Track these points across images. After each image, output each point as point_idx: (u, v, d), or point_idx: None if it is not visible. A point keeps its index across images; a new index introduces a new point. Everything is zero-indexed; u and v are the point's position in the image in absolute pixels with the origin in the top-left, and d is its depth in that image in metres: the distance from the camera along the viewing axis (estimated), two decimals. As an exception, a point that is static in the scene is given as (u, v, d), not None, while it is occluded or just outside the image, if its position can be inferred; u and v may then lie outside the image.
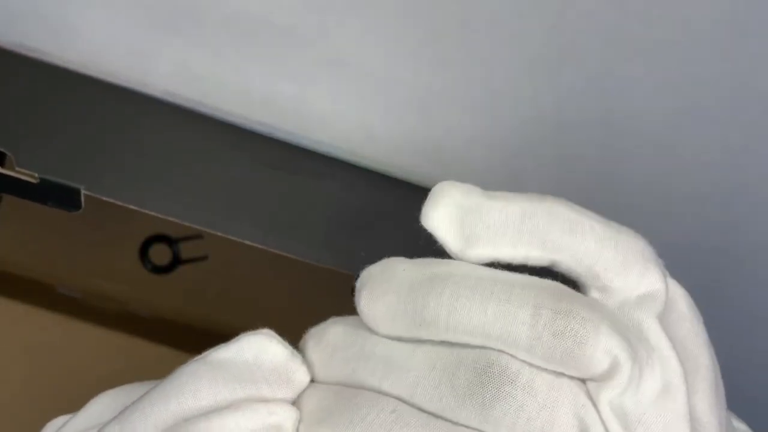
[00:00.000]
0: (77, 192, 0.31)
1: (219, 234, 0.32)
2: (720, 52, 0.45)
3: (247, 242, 0.32)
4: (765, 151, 0.47)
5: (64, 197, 0.31)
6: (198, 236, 0.48)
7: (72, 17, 0.44)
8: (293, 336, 0.48)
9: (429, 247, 0.34)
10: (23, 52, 0.37)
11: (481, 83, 0.47)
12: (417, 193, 0.36)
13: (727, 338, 0.51)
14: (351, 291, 0.35)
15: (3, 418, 0.43)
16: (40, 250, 0.47)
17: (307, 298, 0.48)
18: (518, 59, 0.47)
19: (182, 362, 0.45)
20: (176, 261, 0.48)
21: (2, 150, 0.31)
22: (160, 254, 0.48)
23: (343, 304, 0.45)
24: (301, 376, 0.25)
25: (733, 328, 0.51)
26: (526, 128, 0.46)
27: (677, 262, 0.48)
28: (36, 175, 0.30)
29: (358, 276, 0.31)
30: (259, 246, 0.32)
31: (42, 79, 0.32)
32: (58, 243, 0.47)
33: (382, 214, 0.34)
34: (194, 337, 0.47)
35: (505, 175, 0.45)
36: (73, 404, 0.42)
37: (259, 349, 0.26)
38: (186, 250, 0.48)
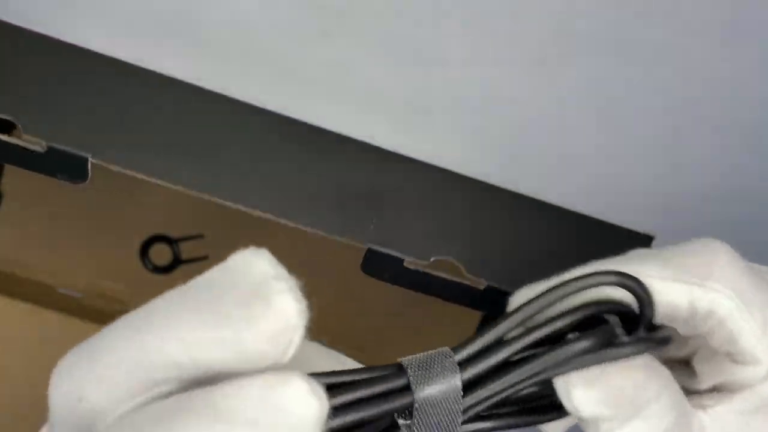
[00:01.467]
0: (84, 161, 0.31)
1: (227, 203, 0.32)
2: (720, 52, 0.45)
3: (256, 212, 0.32)
4: (765, 151, 0.48)
5: (71, 166, 0.31)
6: (199, 236, 0.48)
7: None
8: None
9: (439, 223, 0.34)
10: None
11: (481, 83, 0.47)
12: (428, 171, 0.36)
13: None
14: (360, 267, 0.35)
15: (3, 417, 0.42)
16: (41, 250, 0.46)
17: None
18: (518, 59, 0.47)
19: None
20: (177, 261, 0.47)
21: (9, 118, 0.30)
22: (161, 254, 0.47)
23: (348, 281, 0.45)
24: (284, 302, 0.19)
25: None
26: (526, 128, 0.46)
27: None
28: (44, 143, 0.30)
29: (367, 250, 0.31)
30: (269, 216, 0.32)
31: (48, 50, 0.32)
32: (58, 243, 0.47)
33: (392, 189, 0.34)
34: None
35: (505, 174, 0.45)
36: None
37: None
38: (186, 250, 0.47)
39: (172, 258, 0.47)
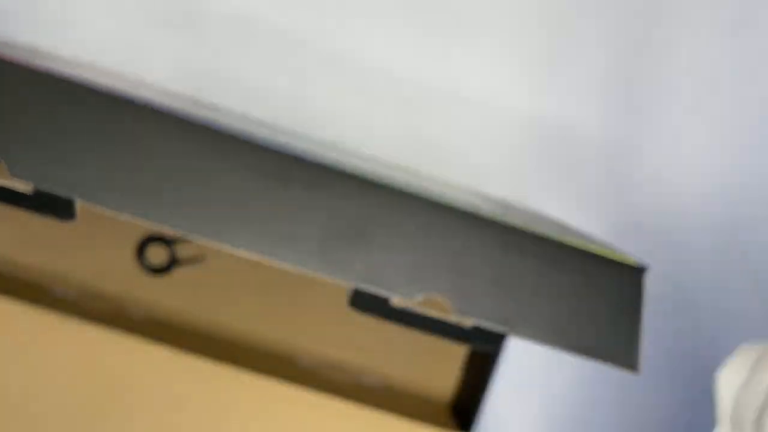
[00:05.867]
0: (71, 202, 0.31)
1: (213, 244, 0.32)
2: (721, 52, 0.45)
3: (242, 251, 0.32)
4: (764, 151, 0.47)
5: (57, 207, 0.31)
6: (195, 236, 0.48)
7: (69, 12, 0.44)
8: (297, 331, 0.48)
9: (427, 260, 0.34)
10: (19, 49, 0.37)
11: (481, 83, 0.47)
12: (413, 204, 0.36)
13: (727, 337, 0.51)
14: (348, 301, 0.35)
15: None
16: (36, 250, 0.46)
17: (304, 298, 0.47)
18: (517, 60, 0.47)
19: (178, 364, 0.45)
20: (173, 261, 0.47)
21: (-4, 159, 0.30)
22: (157, 255, 0.48)
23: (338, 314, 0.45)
24: None
25: (732, 328, 0.51)
26: (526, 128, 0.46)
27: (676, 261, 0.48)
28: (30, 185, 0.30)
29: (354, 289, 0.31)
30: (254, 256, 0.32)
31: (36, 86, 0.32)
32: (54, 243, 0.47)
33: (379, 224, 0.34)
34: (191, 338, 0.47)
35: (504, 175, 0.45)
36: (68, 405, 0.42)
37: None
38: (183, 250, 0.48)
39: (169, 259, 0.47)
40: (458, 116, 0.47)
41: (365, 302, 0.33)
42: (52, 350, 0.44)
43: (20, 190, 0.30)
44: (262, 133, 0.39)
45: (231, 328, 0.48)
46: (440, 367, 0.42)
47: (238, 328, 0.48)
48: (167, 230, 0.31)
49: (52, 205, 0.31)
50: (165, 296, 0.47)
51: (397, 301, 0.33)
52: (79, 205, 0.31)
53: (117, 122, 0.32)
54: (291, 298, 0.48)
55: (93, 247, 0.47)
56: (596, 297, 0.36)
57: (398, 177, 0.39)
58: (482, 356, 0.37)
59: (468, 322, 0.33)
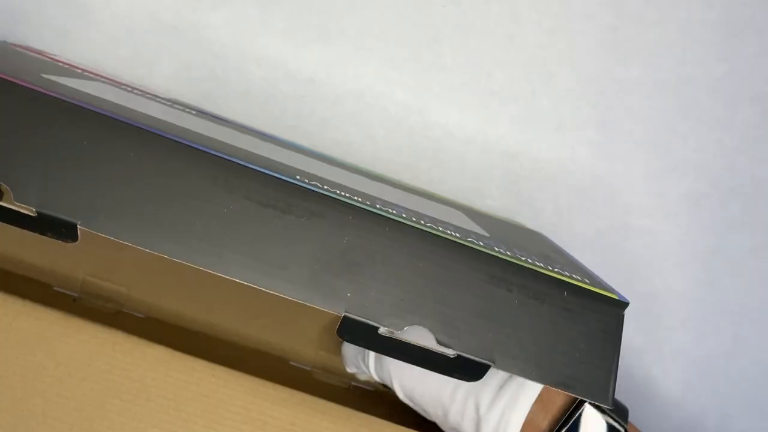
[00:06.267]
0: (74, 226, 0.32)
1: (209, 272, 0.33)
2: (716, 53, 0.45)
3: (235, 278, 0.33)
4: (763, 151, 0.48)
5: (61, 230, 0.32)
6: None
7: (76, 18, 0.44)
8: (291, 333, 0.48)
9: (413, 291, 0.35)
10: (27, 52, 0.38)
11: (479, 84, 0.48)
12: (402, 234, 0.37)
13: (725, 337, 0.52)
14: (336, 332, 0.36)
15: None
16: (38, 247, 0.47)
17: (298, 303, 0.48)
18: (517, 61, 0.47)
19: (177, 363, 0.45)
20: (171, 263, 0.48)
21: (1, 184, 0.31)
22: (156, 256, 0.48)
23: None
24: None
25: (732, 328, 0.51)
26: (525, 128, 0.46)
27: (675, 261, 0.49)
28: (34, 210, 0.31)
29: (343, 317, 0.32)
30: (247, 283, 0.33)
31: (39, 110, 0.33)
32: (55, 241, 0.47)
33: (369, 255, 0.35)
34: (190, 338, 0.48)
35: (503, 176, 0.46)
36: (67, 403, 0.42)
37: None
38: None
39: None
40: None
41: (353, 330, 0.34)
42: (51, 346, 0.44)
43: (24, 212, 0.31)
44: (261, 149, 0.40)
45: (229, 330, 0.49)
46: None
47: (237, 330, 0.49)
48: (164, 256, 0.33)
49: (56, 228, 0.32)
50: (165, 296, 0.48)
51: (384, 330, 0.34)
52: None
53: (120, 147, 0.33)
54: (286, 302, 0.48)
55: (94, 246, 0.48)
56: (576, 330, 0.37)
57: (389, 196, 0.40)
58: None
59: (450, 353, 0.35)
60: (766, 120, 0.46)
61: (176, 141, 0.33)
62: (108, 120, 0.33)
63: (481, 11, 0.45)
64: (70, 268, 0.48)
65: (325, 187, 0.36)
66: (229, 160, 0.34)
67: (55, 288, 0.47)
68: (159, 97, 0.46)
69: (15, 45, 0.46)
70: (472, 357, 0.34)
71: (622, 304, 0.38)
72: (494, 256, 0.37)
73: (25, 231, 0.44)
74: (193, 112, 0.46)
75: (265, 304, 0.48)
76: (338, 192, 0.36)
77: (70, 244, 0.47)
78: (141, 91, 0.46)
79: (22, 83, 0.32)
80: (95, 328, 0.45)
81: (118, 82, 0.46)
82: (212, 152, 0.34)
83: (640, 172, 0.49)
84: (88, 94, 0.36)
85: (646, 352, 0.50)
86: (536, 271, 0.37)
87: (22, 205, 0.31)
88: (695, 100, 0.46)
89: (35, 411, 0.43)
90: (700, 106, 0.46)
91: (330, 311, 0.33)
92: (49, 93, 0.33)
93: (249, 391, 0.44)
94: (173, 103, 0.46)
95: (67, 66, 0.45)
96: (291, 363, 0.49)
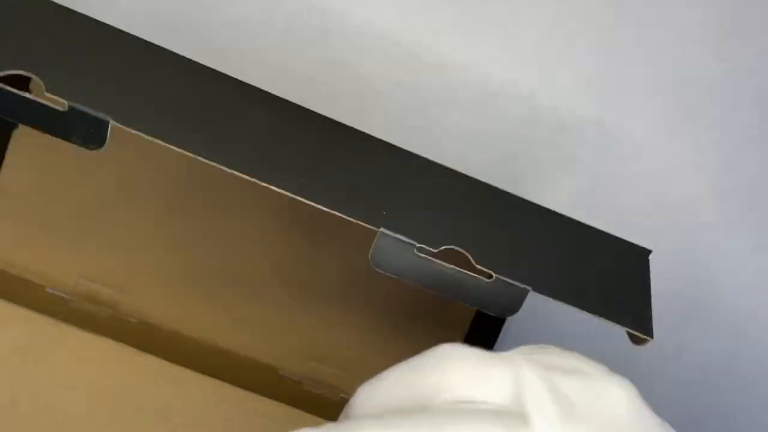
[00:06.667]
0: (105, 123, 0.30)
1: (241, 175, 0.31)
2: (716, 52, 0.46)
3: (272, 186, 0.31)
4: (761, 151, 0.48)
5: (90, 129, 0.31)
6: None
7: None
8: (281, 343, 0.47)
9: (448, 217, 0.34)
10: None
11: (479, 84, 0.48)
12: (435, 171, 0.36)
13: (725, 338, 0.51)
14: (369, 258, 0.35)
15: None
16: (31, 249, 0.46)
17: (291, 314, 0.47)
18: (516, 60, 0.48)
19: (166, 373, 0.43)
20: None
21: (32, 75, 0.30)
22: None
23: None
24: None
25: (731, 328, 0.51)
26: (524, 129, 0.47)
27: (675, 261, 0.49)
28: (65, 102, 0.30)
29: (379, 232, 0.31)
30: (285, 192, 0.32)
31: (71, 20, 0.32)
32: (49, 243, 0.46)
33: (405, 182, 0.34)
34: (181, 344, 0.46)
35: (503, 175, 0.46)
36: (56, 411, 0.41)
37: None
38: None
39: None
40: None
41: (389, 251, 0.33)
42: (42, 350, 0.43)
43: (55, 107, 0.30)
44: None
45: (217, 336, 0.47)
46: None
47: (224, 335, 0.47)
48: (195, 156, 0.31)
49: (85, 127, 0.31)
50: (158, 301, 0.47)
51: (419, 249, 0.33)
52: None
53: (153, 55, 0.32)
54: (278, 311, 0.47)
55: (87, 249, 0.46)
56: (607, 267, 0.37)
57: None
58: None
59: (489, 276, 0.33)
60: (767, 120, 0.47)
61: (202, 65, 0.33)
62: (137, 40, 0.33)
63: None
64: (64, 270, 0.46)
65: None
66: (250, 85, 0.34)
67: (48, 290, 0.46)
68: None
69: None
70: (510, 281, 0.33)
71: (647, 251, 0.38)
72: (524, 198, 0.37)
73: (21, 232, 0.43)
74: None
75: (257, 312, 0.47)
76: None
77: (65, 245, 0.46)
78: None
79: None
80: (86, 336, 0.45)
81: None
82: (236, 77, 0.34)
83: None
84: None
85: (646, 351, 0.49)
86: (563, 215, 0.37)
87: (54, 97, 0.30)
88: (695, 99, 0.47)
89: (23, 418, 0.42)
90: (699, 106, 0.47)
91: (366, 225, 0.32)
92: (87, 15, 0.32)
93: (237, 403, 0.44)
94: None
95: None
96: (281, 373, 0.47)
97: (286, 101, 0.35)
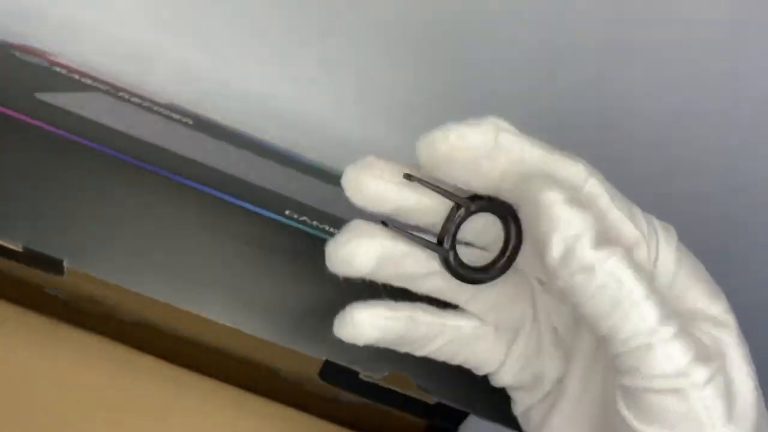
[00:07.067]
0: (60, 262, 0.32)
1: (191, 311, 0.33)
2: (718, 52, 0.45)
3: (217, 320, 0.33)
4: (763, 151, 0.47)
5: (47, 265, 0.32)
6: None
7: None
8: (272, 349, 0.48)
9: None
10: (25, 57, 0.37)
11: (478, 85, 0.47)
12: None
13: None
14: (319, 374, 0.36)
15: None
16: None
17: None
18: (516, 60, 0.47)
19: (164, 374, 0.44)
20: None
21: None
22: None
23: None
24: None
25: None
26: (523, 129, 0.46)
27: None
28: (20, 245, 0.31)
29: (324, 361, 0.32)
30: (230, 325, 0.33)
31: (26, 145, 0.32)
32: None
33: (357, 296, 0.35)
34: (180, 344, 0.48)
35: None
36: (53, 412, 0.43)
37: None
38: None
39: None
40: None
41: (335, 375, 0.34)
42: (37, 355, 0.44)
43: (10, 248, 0.31)
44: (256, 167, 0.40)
45: (222, 337, 0.48)
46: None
47: (222, 334, 0.48)
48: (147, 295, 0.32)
49: (42, 263, 0.32)
50: (155, 303, 0.48)
51: (364, 375, 0.34)
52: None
53: (106, 184, 0.33)
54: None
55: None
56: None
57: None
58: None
59: (430, 400, 0.35)
60: (767, 120, 0.46)
61: (164, 175, 0.33)
62: (100, 155, 0.33)
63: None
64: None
65: (314, 222, 0.36)
66: (219, 196, 0.34)
67: (47, 290, 0.47)
68: (156, 104, 0.46)
69: (14, 45, 0.46)
70: (451, 404, 0.35)
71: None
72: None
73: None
74: (190, 122, 0.45)
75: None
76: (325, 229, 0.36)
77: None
78: (139, 97, 0.45)
79: (14, 114, 0.32)
80: (83, 336, 0.44)
81: (116, 88, 0.45)
82: (202, 188, 0.34)
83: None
84: (82, 119, 0.36)
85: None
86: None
87: (8, 241, 0.31)
88: (693, 99, 0.45)
89: (22, 418, 0.42)
90: (699, 105, 0.45)
91: (311, 356, 0.33)
92: (42, 125, 0.33)
93: (236, 404, 0.43)
94: (171, 110, 0.46)
95: (64, 72, 0.44)
96: (281, 373, 0.48)
97: (249, 212, 0.35)
